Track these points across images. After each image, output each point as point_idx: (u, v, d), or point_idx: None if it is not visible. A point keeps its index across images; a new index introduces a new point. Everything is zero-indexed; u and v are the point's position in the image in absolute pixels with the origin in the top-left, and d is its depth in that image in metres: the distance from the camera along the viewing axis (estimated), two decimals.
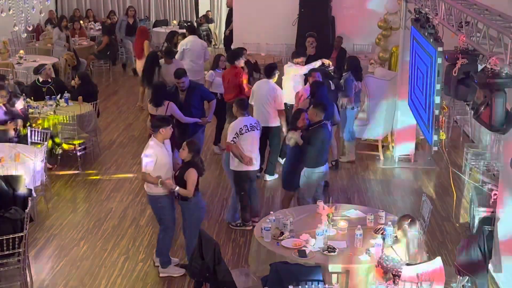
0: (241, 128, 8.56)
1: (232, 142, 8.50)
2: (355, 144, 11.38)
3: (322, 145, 8.33)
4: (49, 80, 11.92)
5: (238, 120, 8.66)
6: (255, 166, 8.78)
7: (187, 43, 13.25)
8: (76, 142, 10.77)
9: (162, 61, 12.20)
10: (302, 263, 6.27)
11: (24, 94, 11.20)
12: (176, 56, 12.78)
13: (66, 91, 11.70)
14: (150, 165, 7.39)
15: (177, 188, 7.30)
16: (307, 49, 12.58)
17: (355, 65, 11.24)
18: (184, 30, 16.28)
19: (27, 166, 8.86)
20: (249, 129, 8.62)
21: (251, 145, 8.66)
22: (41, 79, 11.89)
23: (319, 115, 8.33)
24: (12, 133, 9.92)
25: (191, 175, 7.24)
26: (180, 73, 10.02)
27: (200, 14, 20.60)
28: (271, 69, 10.36)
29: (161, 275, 7.70)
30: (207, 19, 19.46)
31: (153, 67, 12.24)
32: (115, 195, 9.94)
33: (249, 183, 8.86)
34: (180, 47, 13.25)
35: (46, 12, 18.22)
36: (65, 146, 10.81)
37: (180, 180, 7.35)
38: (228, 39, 17.54)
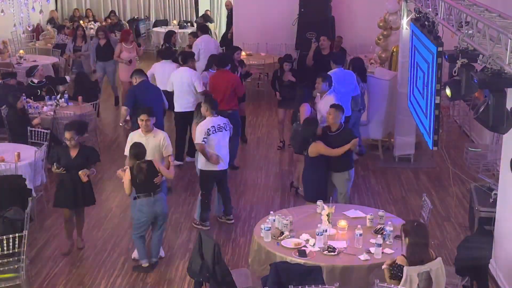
0: (208, 129, 8.46)
1: (203, 142, 8.42)
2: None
3: None
4: (44, 80, 11.94)
5: (207, 120, 8.54)
6: (222, 165, 8.65)
7: (202, 43, 13.21)
8: None
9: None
10: (302, 263, 6.28)
11: (24, 94, 11.21)
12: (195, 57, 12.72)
13: (61, 86, 11.81)
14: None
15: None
16: (317, 50, 12.63)
17: (359, 66, 11.05)
18: (184, 30, 16.28)
19: (27, 166, 8.86)
20: (216, 130, 8.52)
21: (218, 146, 8.55)
22: (36, 80, 11.89)
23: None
24: None
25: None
26: (132, 73, 10.31)
27: (200, 14, 20.59)
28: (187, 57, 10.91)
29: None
30: (207, 18, 19.44)
31: None
32: (115, 195, 9.94)
33: (218, 183, 8.81)
34: (195, 47, 13.17)
35: (46, 11, 18.20)
36: None
37: None
38: (226, 40, 17.50)
